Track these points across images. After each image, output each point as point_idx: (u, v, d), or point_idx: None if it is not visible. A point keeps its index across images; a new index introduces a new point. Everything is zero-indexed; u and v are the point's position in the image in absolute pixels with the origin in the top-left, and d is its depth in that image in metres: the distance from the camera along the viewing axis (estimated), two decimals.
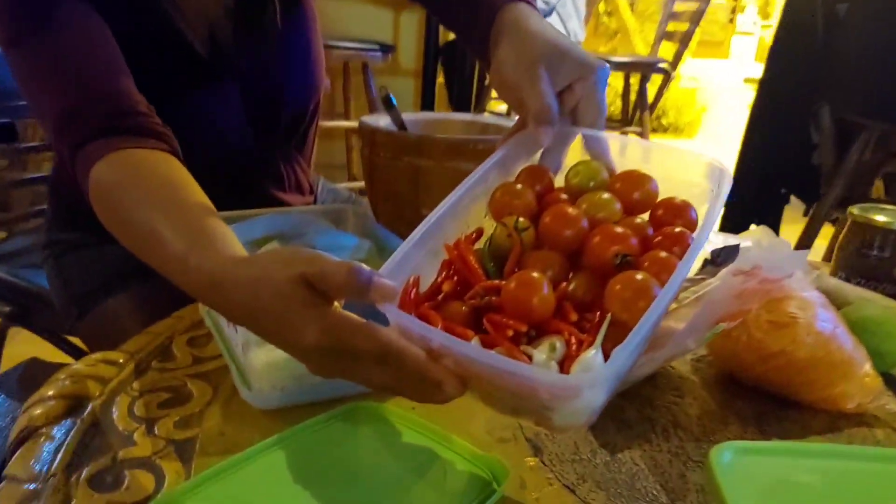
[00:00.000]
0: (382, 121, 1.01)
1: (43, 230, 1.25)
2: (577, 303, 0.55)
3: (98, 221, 1.02)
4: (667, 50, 4.15)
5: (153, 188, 0.77)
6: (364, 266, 0.54)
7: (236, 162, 1.10)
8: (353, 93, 3.31)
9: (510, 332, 0.51)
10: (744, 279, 0.71)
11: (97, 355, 0.81)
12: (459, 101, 3.68)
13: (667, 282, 0.51)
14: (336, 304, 0.57)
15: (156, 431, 0.68)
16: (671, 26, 3.62)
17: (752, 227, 2.50)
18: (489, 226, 0.64)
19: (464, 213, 0.65)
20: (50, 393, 0.73)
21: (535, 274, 0.54)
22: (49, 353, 1.38)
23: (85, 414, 0.70)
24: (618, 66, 3.44)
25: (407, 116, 1.07)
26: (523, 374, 0.47)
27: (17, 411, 0.76)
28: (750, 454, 0.54)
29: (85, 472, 0.62)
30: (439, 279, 0.60)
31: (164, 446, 0.66)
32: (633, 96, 3.66)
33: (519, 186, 0.65)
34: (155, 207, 0.73)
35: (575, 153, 0.72)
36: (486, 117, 1.10)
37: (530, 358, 0.51)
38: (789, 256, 0.78)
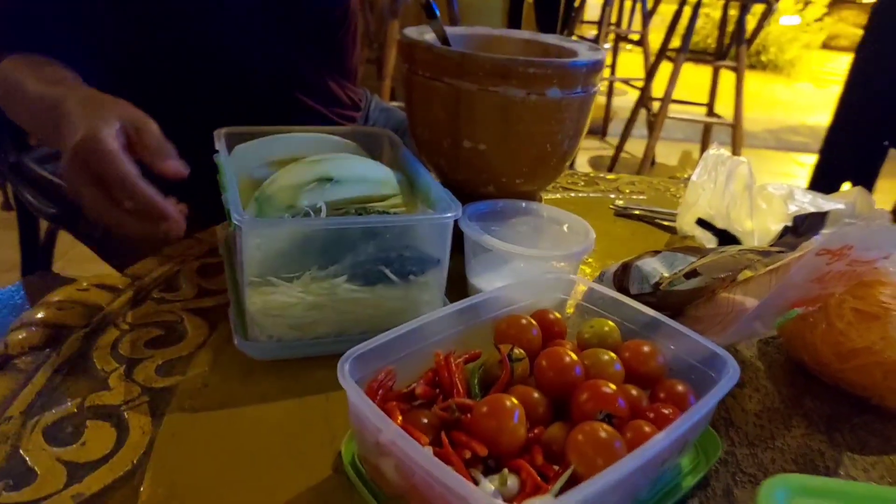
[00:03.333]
0: (428, 35, 0.89)
1: None
2: (550, 451, 0.50)
3: None
4: None
5: (26, 64, 0.86)
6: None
7: (255, 63, 1.01)
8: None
9: (467, 454, 0.47)
10: (829, 259, 0.58)
11: (94, 278, 0.74)
12: (547, 23, 3.49)
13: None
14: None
15: (134, 376, 0.61)
16: None
17: (846, 185, 2.30)
18: (488, 355, 0.58)
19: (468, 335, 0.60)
20: (38, 316, 0.67)
21: (509, 402, 0.49)
22: None
23: (63, 347, 0.63)
24: None
25: (455, 30, 0.94)
26: (460, 491, 0.41)
27: None
28: (809, 496, 0.43)
29: (43, 419, 0.55)
30: (417, 385, 0.54)
31: (139, 395, 0.59)
32: (730, 27, 3.41)
33: (525, 322, 0.60)
34: (24, 72, 0.84)
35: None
36: (547, 37, 0.96)
37: (477, 483, 0.46)
38: (887, 232, 0.64)
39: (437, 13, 0.84)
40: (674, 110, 3.36)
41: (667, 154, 4.22)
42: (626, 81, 4.37)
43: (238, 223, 0.58)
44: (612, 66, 4.71)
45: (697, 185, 0.94)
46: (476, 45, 0.93)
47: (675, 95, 3.27)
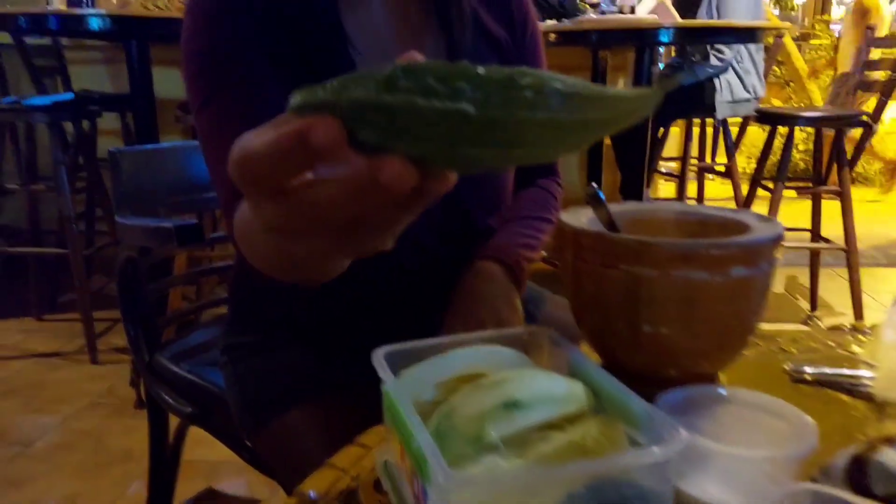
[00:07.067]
0: (583, 217, 0.87)
1: (222, 333, 1.21)
2: None
3: (275, 323, 1.15)
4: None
5: None
6: None
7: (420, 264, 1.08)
8: None
9: None
10: None
11: (280, 502, 0.71)
12: (630, 162, 3.51)
13: None
14: None
15: None
16: (868, 75, 3.28)
17: None
18: None
19: None
20: None
21: None
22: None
23: None
24: (809, 121, 3.12)
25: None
26: None
27: None
28: None
29: None
30: None
31: None
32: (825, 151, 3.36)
33: None
34: None
35: None
36: (700, 209, 0.93)
37: None
38: None
39: (604, 199, 0.82)
40: None
41: None
42: None
43: (446, 481, 0.51)
44: (699, 198, 4.68)
45: (891, 347, 0.87)
46: (627, 221, 0.90)
47: None
